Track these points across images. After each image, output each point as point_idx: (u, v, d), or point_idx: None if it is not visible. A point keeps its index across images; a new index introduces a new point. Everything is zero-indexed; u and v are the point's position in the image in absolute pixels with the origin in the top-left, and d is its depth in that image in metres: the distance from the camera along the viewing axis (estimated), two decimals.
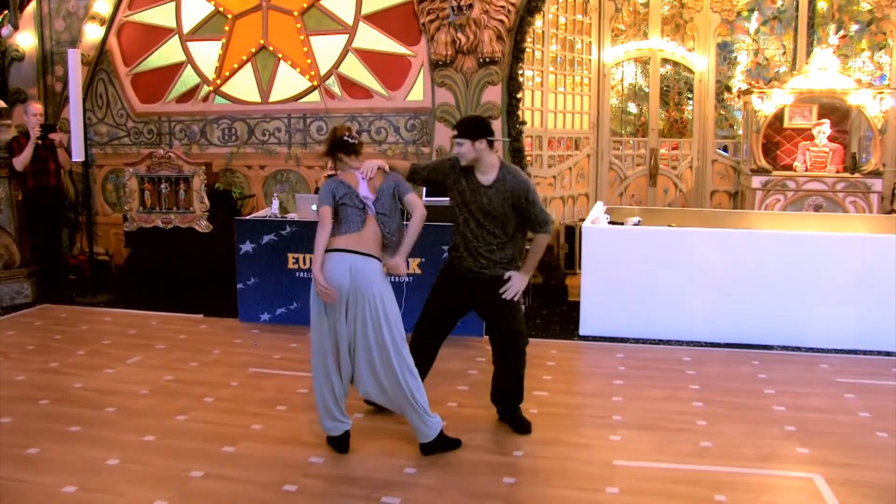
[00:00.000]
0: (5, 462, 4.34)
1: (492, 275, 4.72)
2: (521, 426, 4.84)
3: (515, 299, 4.75)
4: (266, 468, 4.24)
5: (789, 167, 9.78)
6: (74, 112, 8.20)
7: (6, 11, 8.31)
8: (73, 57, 8.36)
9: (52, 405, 5.24)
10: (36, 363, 6.20)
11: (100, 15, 9.36)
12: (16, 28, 8.74)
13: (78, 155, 8.24)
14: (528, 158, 8.85)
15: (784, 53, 10.54)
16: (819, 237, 6.79)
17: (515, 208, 4.63)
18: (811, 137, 9.68)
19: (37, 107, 8.42)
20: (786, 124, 10.05)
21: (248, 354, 6.46)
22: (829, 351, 6.51)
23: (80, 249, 9.37)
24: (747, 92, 9.90)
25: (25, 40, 9.54)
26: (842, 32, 10.16)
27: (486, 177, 4.66)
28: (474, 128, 4.61)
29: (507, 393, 4.91)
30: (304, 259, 7.23)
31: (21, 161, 8.11)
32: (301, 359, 6.31)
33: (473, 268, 4.75)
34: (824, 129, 9.55)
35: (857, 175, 9.28)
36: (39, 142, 8.15)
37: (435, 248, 6.93)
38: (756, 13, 10.53)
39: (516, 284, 4.70)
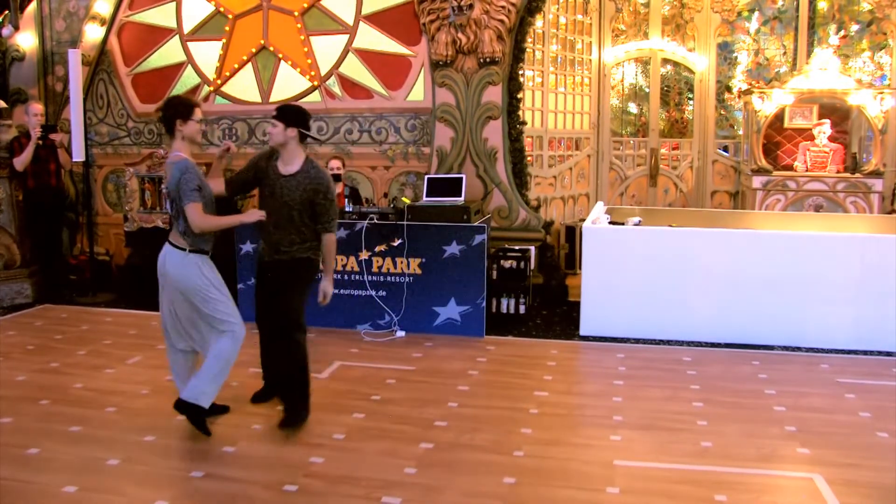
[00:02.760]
0: (6, 462, 4.34)
1: (290, 257, 4.84)
2: (290, 419, 4.83)
3: (327, 303, 4.96)
4: (266, 468, 4.24)
5: (790, 167, 9.78)
6: (75, 112, 8.20)
7: (7, 12, 8.31)
8: (74, 57, 8.36)
9: (52, 405, 5.24)
10: (37, 363, 6.20)
11: (100, 15, 9.36)
12: (16, 28, 8.74)
13: (78, 155, 8.24)
14: (529, 159, 8.85)
15: (784, 53, 10.54)
16: (819, 237, 6.78)
17: (312, 203, 4.74)
18: (812, 137, 9.68)
19: (37, 107, 8.42)
20: (786, 124, 10.06)
21: (247, 354, 6.44)
22: (829, 351, 6.51)
23: (81, 249, 9.37)
24: (748, 92, 9.90)
25: (26, 40, 9.54)
26: (842, 32, 10.17)
27: (289, 167, 4.78)
28: (292, 115, 4.75)
29: (284, 380, 5.00)
30: None
31: (22, 161, 8.10)
32: None
33: (274, 256, 4.86)
34: (825, 129, 9.55)
35: (857, 175, 9.28)
36: (40, 142, 8.15)
37: (436, 248, 6.94)
38: (756, 13, 10.54)
39: (324, 290, 4.91)
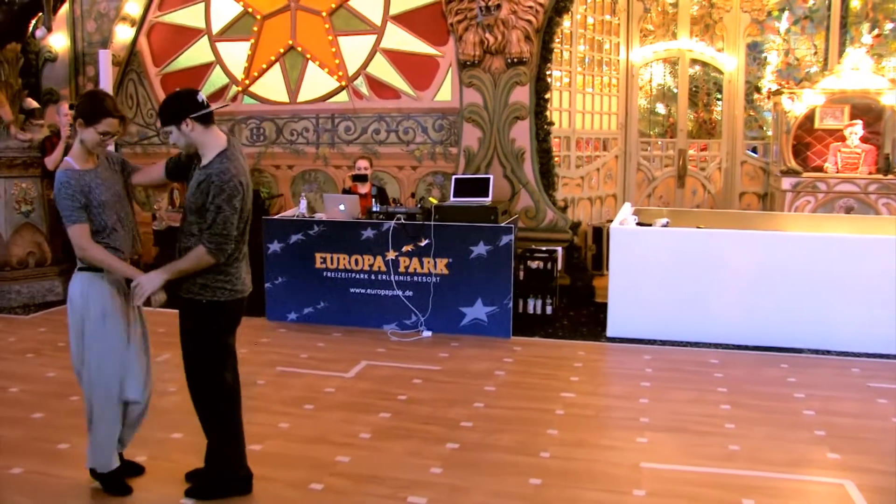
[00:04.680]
0: (37, 456, 4.41)
1: (184, 295, 3.81)
2: (197, 490, 3.96)
3: (141, 304, 3.79)
4: (293, 467, 4.25)
5: (820, 168, 9.66)
6: None
7: (40, 14, 8.42)
8: (104, 57, 8.45)
9: (81, 402, 5.27)
10: (66, 360, 6.20)
11: (130, 16, 9.46)
12: (49, 30, 8.83)
13: None
14: (556, 159, 8.83)
15: (815, 53, 10.42)
16: (850, 239, 6.68)
17: (203, 208, 3.67)
18: (843, 138, 9.56)
19: (68, 107, 8.51)
20: (817, 125, 9.93)
21: (274, 353, 6.49)
22: (860, 355, 6.42)
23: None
24: (777, 92, 9.80)
25: (58, 41, 9.67)
26: (876, 31, 10.00)
27: (204, 160, 3.75)
28: (174, 108, 3.67)
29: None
30: (332, 259, 7.26)
31: (52, 160, 8.19)
32: (328, 358, 6.34)
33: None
34: (856, 129, 9.43)
35: (890, 176, 9.14)
36: (70, 141, 8.23)
37: (463, 248, 6.93)
38: (787, 13, 10.40)
39: (143, 286, 3.69)
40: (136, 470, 4.19)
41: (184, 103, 3.66)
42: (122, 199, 3.95)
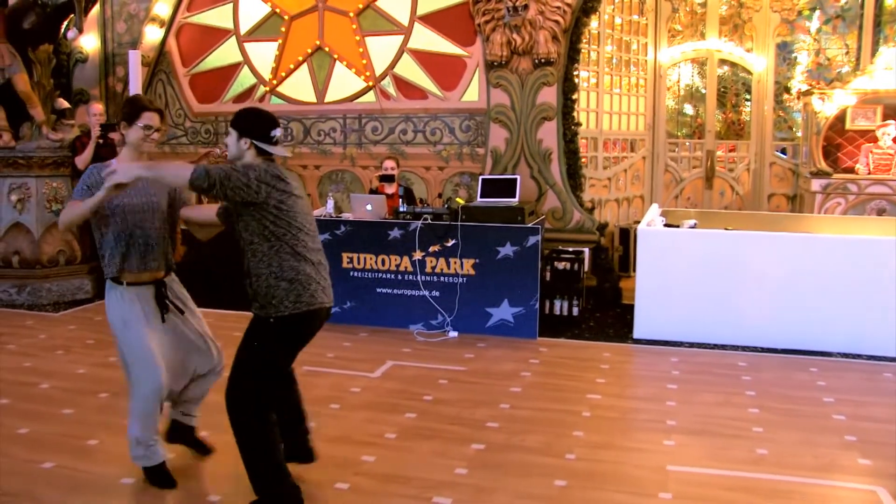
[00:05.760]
0: (67, 452, 4.46)
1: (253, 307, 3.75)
2: None
3: (110, 184, 3.56)
4: (318, 466, 4.26)
5: (851, 170, 9.54)
6: None
7: (72, 15, 8.53)
8: (134, 58, 8.53)
9: (111, 398, 5.35)
10: (96, 357, 6.34)
11: (159, 17, 9.55)
12: (80, 31, 8.94)
13: None
14: (584, 160, 8.79)
15: (847, 53, 10.28)
16: (882, 242, 6.58)
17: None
18: (875, 139, 9.44)
19: (97, 107, 8.61)
20: (848, 126, 9.80)
21: (301, 353, 6.49)
22: (892, 359, 6.33)
23: None
24: (807, 93, 9.69)
25: (89, 42, 9.79)
26: None
27: None
28: (248, 123, 3.69)
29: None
30: (359, 259, 7.28)
31: (83, 160, 8.29)
32: (354, 358, 6.36)
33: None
34: (889, 130, 9.30)
35: None
36: (100, 141, 8.32)
37: (490, 249, 6.93)
38: (818, 12, 10.28)
39: (118, 172, 3.53)
40: (203, 450, 4.37)
41: (259, 127, 3.67)
42: (153, 212, 3.97)
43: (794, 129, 10.88)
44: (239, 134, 3.66)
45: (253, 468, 3.69)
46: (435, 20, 8.69)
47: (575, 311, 7.37)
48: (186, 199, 4.18)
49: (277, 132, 3.71)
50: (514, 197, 7.33)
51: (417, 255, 7.13)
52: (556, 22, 7.93)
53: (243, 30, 9.43)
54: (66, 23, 8.80)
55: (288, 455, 3.88)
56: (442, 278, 7.12)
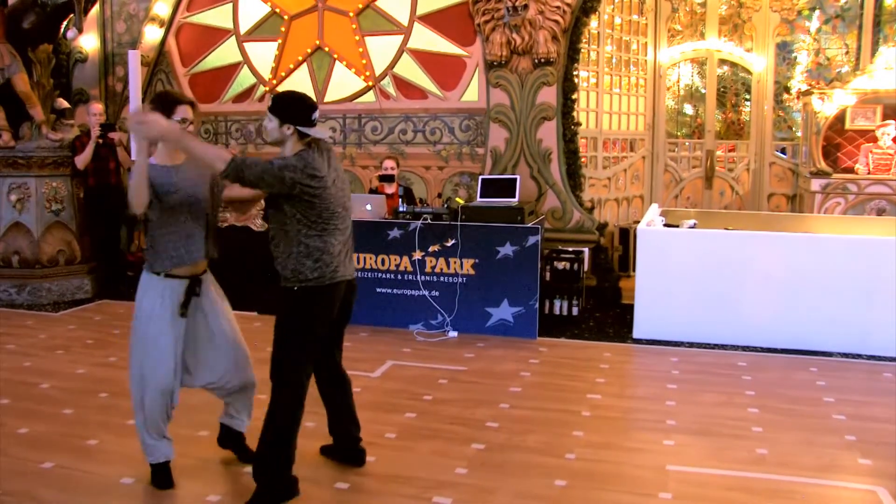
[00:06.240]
0: (67, 452, 4.46)
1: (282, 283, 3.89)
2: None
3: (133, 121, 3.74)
4: (318, 466, 4.26)
5: (850, 170, 9.55)
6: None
7: (72, 15, 8.53)
8: (133, 58, 8.42)
9: (110, 398, 5.35)
10: (96, 357, 6.34)
11: (159, 17, 9.55)
12: (80, 31, 8.94)
13: None
14: (583, 160, 8.79)
15: (847, 53, 10.28)
16: (882, 242, 6.59)
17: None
18: (874, 139, 9.45)
19: (97, 106, 8.61)
20: (847, 126, 9.81)
21: None
22: (892, 359, 6.33)
23: (138, 247, 9.54)
24: (807, 93, 9.70)
25: (89, 42, 9.78)
26: None
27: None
28: (290, 109, 3.75)
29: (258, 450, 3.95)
30: (359, 258, 7.27)
31: (82, 160, 8.30)
32: (354, 357, 6.34)
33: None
34: (889, 130, 9.31)
35: None
36: (100, 140, 8.33)
37: (489, 249, 6.93)
38: (818, 12, 10.29)
39: (149, 125, 3.63)
40: (241, 449, 4.37)
41: (301, 113, 3.74)
42: (198, 202, 3.98)
43: (793, 129, 10.87)
44: (281, 121, 3.73)
45: (268, 444, 3.85)
46: (435, 20, 8.69)
47: (575, 310, 7.38)
48: (223, 184, 4.14)
49: (316, 114, 3.82)
50: (514, 197, 7.33)
51: (417, 255, 7.13)
52: (556, 22, 7.93)
53: (243, 30, 9.42)
54: (65, 23, 8.80)
55: (341, 458, 4.31)
56: (442, 278, 7.12)
